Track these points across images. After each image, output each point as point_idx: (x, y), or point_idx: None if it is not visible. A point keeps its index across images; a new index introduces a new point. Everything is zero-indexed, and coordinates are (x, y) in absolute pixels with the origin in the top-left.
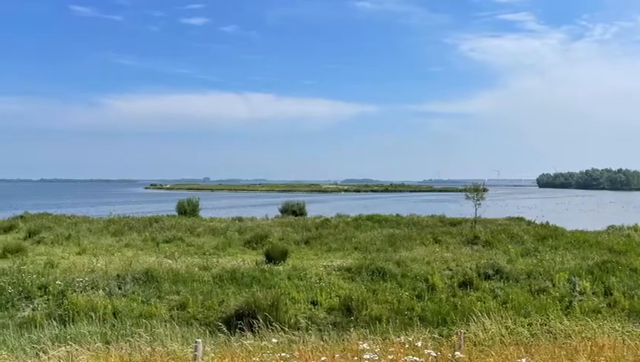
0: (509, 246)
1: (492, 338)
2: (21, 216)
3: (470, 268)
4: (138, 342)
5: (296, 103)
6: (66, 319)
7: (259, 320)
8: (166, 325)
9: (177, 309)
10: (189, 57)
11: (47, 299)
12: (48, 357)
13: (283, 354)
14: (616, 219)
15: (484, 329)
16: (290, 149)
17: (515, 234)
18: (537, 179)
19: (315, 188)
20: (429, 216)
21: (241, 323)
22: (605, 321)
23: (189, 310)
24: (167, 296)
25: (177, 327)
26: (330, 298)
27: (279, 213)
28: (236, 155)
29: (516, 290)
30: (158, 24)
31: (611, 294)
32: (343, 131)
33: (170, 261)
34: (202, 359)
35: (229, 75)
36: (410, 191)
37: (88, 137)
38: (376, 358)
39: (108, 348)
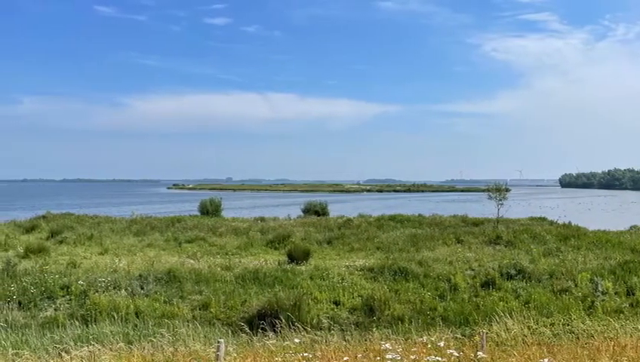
0: (532, 246)
1: (514, 339)
2: (43, 216)
3: (492, 268)
4: (160, 342)
5: (318, 103)
6: (89, 319)
7: (281, 320)
8: (188, 325)
9: (200, 309)
10: (212, 57)
11: (70, 299)
12: (71, 357)
13: (305, 354)
14: (639, 219)
15: (507, 329)
16: (312, 149)
17: (537, 234)
18: (560, 179)
19: (338, 188)
20: (451, 216)
21: (263, 323)
22: (628, 321)
23: (212, 310)
24: (189, 296)
25: (200, 327)
26: (353, 298)
27: (301, 213)
28: (259, 155)
29: (538, 290)
30: (181, 24)
31: (634, 294)
32: (366, 131)
33: (192, 261)
34: (225, 359)
35: (251, 75)
36: (433, 191)
37: (111, 137)
38: (399, 358)
39: (130, 348)
